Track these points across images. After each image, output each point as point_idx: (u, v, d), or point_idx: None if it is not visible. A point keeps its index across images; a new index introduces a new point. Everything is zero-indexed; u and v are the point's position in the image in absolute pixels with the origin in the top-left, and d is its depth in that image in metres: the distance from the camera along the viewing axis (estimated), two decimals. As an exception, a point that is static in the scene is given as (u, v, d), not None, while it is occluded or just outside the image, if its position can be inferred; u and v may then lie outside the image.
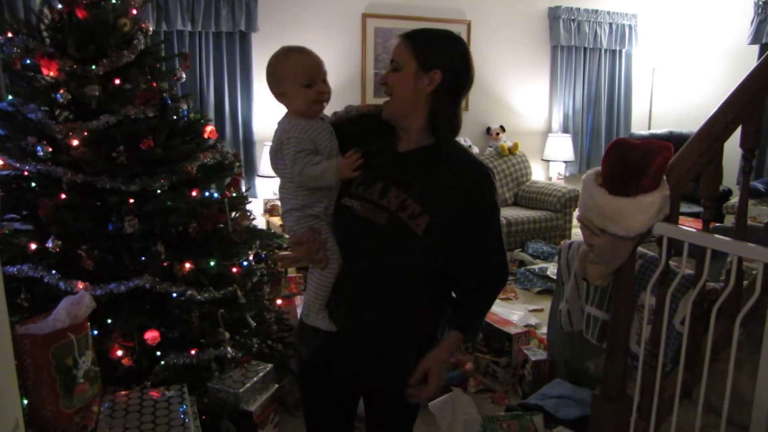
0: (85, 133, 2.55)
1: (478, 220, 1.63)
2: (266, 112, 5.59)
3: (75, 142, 2.53)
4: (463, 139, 6.30)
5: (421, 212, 1.59)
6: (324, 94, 1.67)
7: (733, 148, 2.02)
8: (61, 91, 2.52)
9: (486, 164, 1.70)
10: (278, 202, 4.62)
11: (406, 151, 1.67)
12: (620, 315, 1.93)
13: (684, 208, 3.82)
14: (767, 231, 2.12)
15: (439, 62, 1.60)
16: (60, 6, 2.61)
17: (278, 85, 1.68)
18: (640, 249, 2.59)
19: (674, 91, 7.15)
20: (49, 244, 2.52)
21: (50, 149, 2.55)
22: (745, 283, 2.07)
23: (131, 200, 2.61)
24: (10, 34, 2.61)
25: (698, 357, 1.80)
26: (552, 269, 5.13)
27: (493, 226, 1.67)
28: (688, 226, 3.38)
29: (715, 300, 1.78)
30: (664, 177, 1.73)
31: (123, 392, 2.49)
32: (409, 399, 1.66)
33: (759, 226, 3.01)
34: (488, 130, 6.60)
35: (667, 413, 1.89)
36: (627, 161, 1.69)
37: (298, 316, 1.94)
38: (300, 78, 1.64)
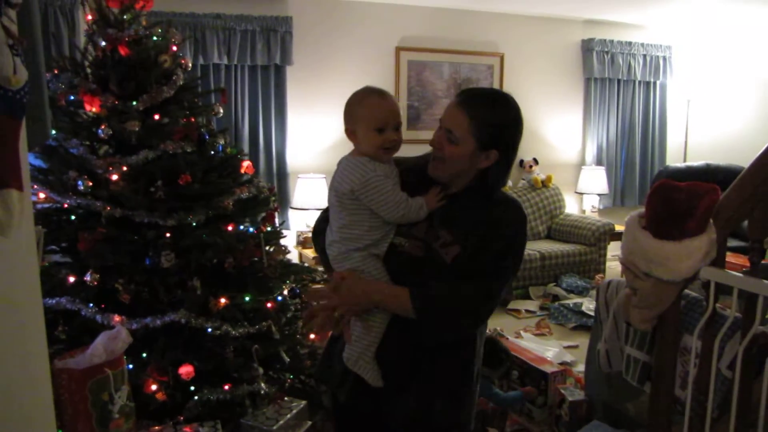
0: (125, 168, 2.58)
1: (488, 246, 1.61)
2: (300, 145, 5.65)
3: (114, 177, 2.56)
4: (495, 172, 6.28)
5: (452, 242, 1.60)
6: (392, 142, 1.66)
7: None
8: (103, 127, 2.57)
9: (520, 204, 1.71)
10: (310, 234, 4.60)
11: (451, 194, 1.68)
12: (665, 361, 1.88)
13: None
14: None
15: (499, 143, 1.61)
16: (103, 43, 2.66)
17: (351, 123, 1.68)
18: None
19: (710, 122, 7.06)
20: (87, 278, 2.55)
21: (90, 183, 2.59)
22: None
23: (168, 234, 2.63)
24: (56, 71, 2.68)
25: (748, 404, 1.74)
26: (587, 304, 5.04)
27: (498, 255, 1.62)
28: (732, 262, 3.30)
29: (764, 344, 1.72)
30: (711, 220, 1.69)
31: (156, 427, 2.49)
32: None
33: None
34: (521, 162, 6.57)
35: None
36: (672, 204, 1.65)
37: (326, 353, 1.91)
38: (372, 122, 1.64)
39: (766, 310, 1.83)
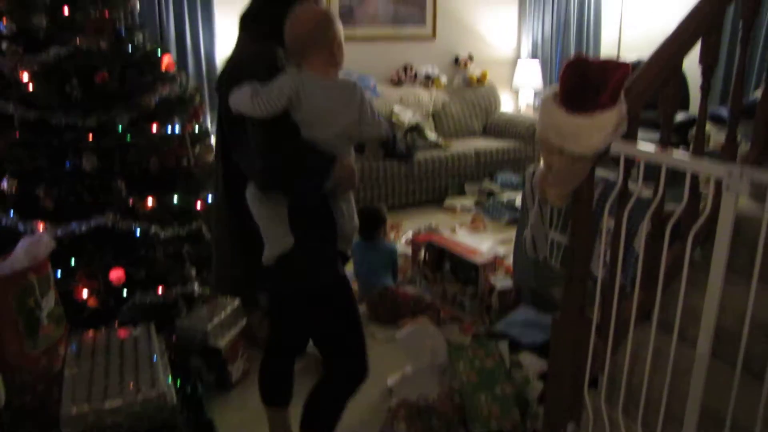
0: (35, 67, 2.46)
1: None
2: (229, 45, 5.45)
3: (25, 76, 2.44)
4: (430, 67, 6.23)
5: None
6: None
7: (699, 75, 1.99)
8: (5, 21, 2.42)
9: None
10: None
11: None
12: (579, 236, 1.93)
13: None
14: (723, 150, 2.12)
15: None
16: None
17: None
18: (601, 174, 2.60)
19: (644, 17, 7.06)
20: (4, 185, 2.47)
21: (-2, 85, 2.47)
22: (703, 204, 2.08)
23: (89, 136, 2.55)
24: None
25: (656, 275, 1.82)
26: (520, 199, 5.14)
27: None
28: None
29: (675, 221, 1.78)
30: (622, 94, 1.71)
31: (90, 333, 2.48)
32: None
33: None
34: (456, 59, 6.51)
35: (626, 334, 1.92)
36: (585, 78, 1.66)
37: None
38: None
39: (681, 193, 1.88)
